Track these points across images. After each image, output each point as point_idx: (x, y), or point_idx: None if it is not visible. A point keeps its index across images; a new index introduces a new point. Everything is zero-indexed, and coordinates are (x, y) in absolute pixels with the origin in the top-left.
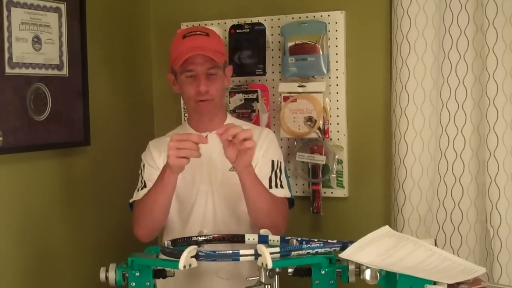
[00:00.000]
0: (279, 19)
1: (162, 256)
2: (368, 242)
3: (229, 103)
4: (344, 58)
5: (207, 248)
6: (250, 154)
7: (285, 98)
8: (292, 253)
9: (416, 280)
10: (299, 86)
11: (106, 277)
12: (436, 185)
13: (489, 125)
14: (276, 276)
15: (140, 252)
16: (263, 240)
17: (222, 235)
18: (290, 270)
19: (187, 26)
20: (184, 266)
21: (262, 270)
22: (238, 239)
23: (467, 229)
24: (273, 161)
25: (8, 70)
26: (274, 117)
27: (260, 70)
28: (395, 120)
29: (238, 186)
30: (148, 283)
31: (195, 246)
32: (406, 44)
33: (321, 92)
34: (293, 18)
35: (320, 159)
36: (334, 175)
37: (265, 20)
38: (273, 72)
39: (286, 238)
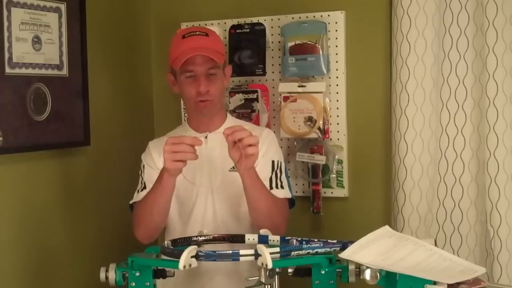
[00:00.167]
0: (279, 19)
1: (162, 256)
2: (368, 242)
3: (229, 103)
4: (344, 58)
5: (207, 248)
6: (252, 160)
7: (285, 98)
8: (292, 253)
9: (416, 280)
10: (299, 86)
11: (106, 277)
12: (436, 185)
13: (489, 125)
14: (276, 276)
15: (140, 252)
16: (263, 240)
17: (222, 235)
18: (290, 270)
19: (187, 26)
20: (184, 266)
21: (262, 270)
22: (238, 239)
23: (467, 229)
24: (273, 162)
25: (8, 70)
26: (274, 117)
27: (260, 70)
28: (395, 120)
29: (239, 186)
30: (148, 283)
31: (195, 246)
32: (406, 44)
33: (321, 92)
34: (293, 18)
35: (320, 159)
36: (334, 175)
37: (265, 20)
38: (273, 72)
39: (286, 238)
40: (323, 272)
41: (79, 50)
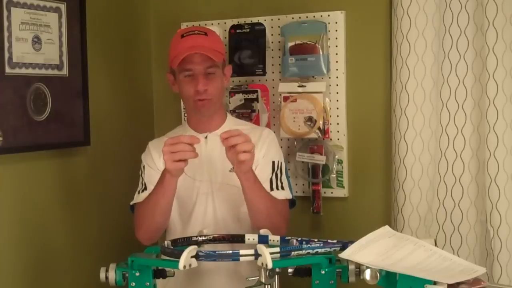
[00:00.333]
0: (279, 19)
1: (162, 256)
2: (368, 242)
3: (229, 103)
4: (344, 58)
5: (207, 248)
6: (246, 165)
7: (285, 98)
8: (292, 253)
9: (416, 280)
10: (299, 86)
11: (106, 277)
12: (436, 185)
13: (489, 125)
14: (276, 276)
15: (140, 252)
16: (263, 240)
17: (222, 235)
18: (290, 270)
19: (187, 26)
20: (184, 266)
21: (262, 270)
22: (238, 239)
23: (467, 229)
24: (273, 162)
25: (8, 70)
26: (274, 117)
27: (260, 70)
28: (395, 120)
29: (239, 186)
30: (148, 283)
31: (195, 246)
32: (406, 44)
33: (321, 92)
34: (293, 18)
35: (320, 159)
36: (334, 175)
37: (265, 20)
38: (273, 72)
39: (286, 238)
40: (323, 272)
41: (79, 50)
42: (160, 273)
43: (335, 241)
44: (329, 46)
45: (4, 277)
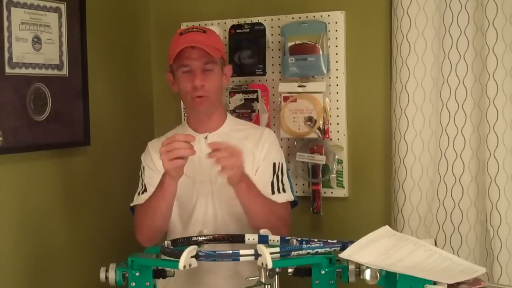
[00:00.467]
0: (279, 19)
1: (162, 256)
2: (368, 242)
3: (229, 103)
4: (344, 58)
5: (207, 248)
6: (232, 179)
7: (285, 98)
8: (292, 253)
9: (416, 280)
10: (299, 86)
11: (106, 277)
12: (436, 185)
13: (489, 125)
14: (276, 276)
15: (140, 252)
16: (263, 240)
17: (222, 235)
18: (290, 270)
19: (187, 26)
20: (184, 266)
21: (262, 270)
22: (238, 239)
23: (467, 229)
24: (274, 164)
25: (8, 70)
26: (274, 117)
27: (260, 70)
28: (395, 120)
29: None
30: (148, 283)
31: (195, 246)
32: (406, 44)
33: (321, 92)
34: (293, 18)
35: (320, 159)
36: (334, 175)
37: (265, 20)
38: (273, 72)
39: (286, 238)
40: (323, 272)
41: (79, 50)
42: (160, 273)
43: (335, 241)
44: (329, 46)
45: (4, 277)
